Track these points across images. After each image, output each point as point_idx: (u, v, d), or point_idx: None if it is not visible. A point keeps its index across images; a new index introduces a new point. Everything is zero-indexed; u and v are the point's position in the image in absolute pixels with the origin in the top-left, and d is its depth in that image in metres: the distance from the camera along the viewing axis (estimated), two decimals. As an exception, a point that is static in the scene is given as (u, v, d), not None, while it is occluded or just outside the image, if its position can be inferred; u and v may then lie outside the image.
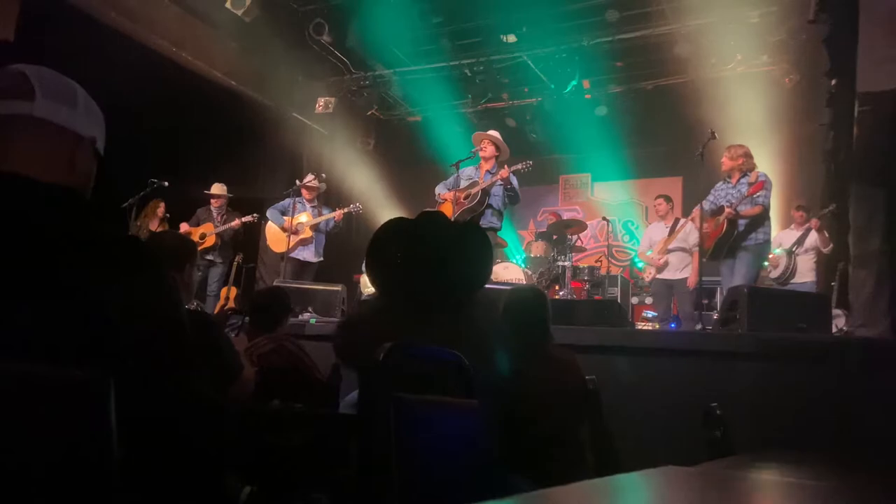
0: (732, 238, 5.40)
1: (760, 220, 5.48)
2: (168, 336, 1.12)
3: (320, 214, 7.06)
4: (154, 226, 7.21)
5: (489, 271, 2.15)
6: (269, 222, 7.05)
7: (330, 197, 7.70)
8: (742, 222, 5.39)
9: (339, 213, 7.04)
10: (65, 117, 1.23)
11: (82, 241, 1.07)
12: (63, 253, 1.04)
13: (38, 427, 0.86)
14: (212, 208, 7.39)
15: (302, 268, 6.97)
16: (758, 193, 5.37)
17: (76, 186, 1.22)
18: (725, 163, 5.66)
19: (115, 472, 0.89)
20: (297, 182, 7.14)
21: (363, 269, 7.22)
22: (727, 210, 5.35)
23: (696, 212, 6.20)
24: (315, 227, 6.99)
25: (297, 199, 6.97)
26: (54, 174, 1.17)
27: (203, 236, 7.17)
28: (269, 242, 7.16)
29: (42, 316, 0.99)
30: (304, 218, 6.96)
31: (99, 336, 1.01)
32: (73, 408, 0.88)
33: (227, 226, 7.22)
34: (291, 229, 6.79)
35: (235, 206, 7.54)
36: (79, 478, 0.87)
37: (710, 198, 5.76)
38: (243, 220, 7.23)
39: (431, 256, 1.98)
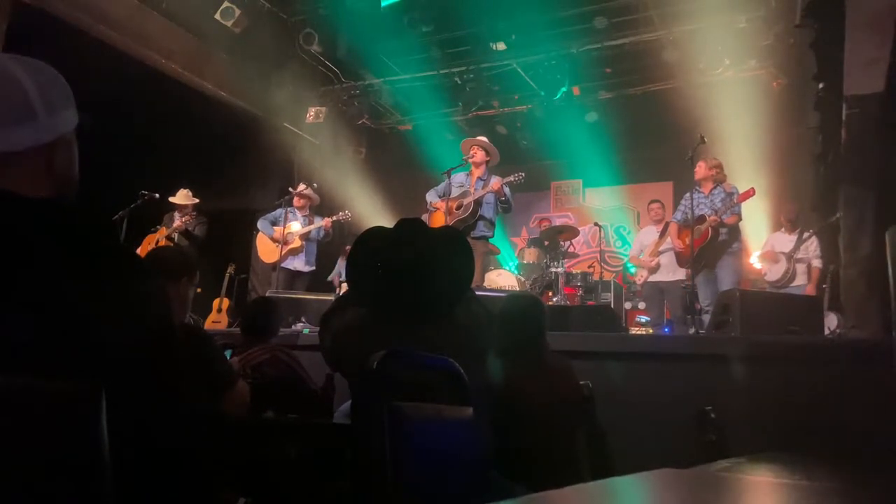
0: (714, 247, 5.43)
1: (737, 228, 5.56)
2: (157, 346, 1.11)
3: (311, 224, 7.03)
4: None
5: (471, 275, 2.15)
6: (260, 233, 7.02)
7: (322, 206, 7.68)
8: (724, 231, 5.43)
9: (327, 222, 7.00)
10: (29, 138, 1.12)
11: (69, 253, 1.06)
12: (50, 265, 1.03)
13: (29, 439, 0.85)
14: (175, 215, 7.04)
15: (294, 278, 6.93)
16: (739, 204, 5.43)
17: (59, 187, 1.19)
18: (701, 171, 5.74)
19: (107, 485, 0.88)
20: (291, 190, 7.12)
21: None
22: (712, 218, 5.36)
23: (673, 227, 6.19)
24: (305, 237, 6.96)
25: (288, 209, 6.95)
26: (34, 183, 1.14)
27: (157, 242, 6.89)
28: (259, 253, 7.11)
29: (31, 328, 0.98)
30: (294, 227, 6.94)
31: (88, 347, 1.00)
32: (64, 420, 0.87)
33: (172, 227, 6.86)
34: (282, 239, 6.76)
35: (222, 214, 7.40)
36: (71, 490, 0.86)
37: (682, 208, 5.78)
38: (183, 219, 6.84)
39: (413, 264, 1.98)
